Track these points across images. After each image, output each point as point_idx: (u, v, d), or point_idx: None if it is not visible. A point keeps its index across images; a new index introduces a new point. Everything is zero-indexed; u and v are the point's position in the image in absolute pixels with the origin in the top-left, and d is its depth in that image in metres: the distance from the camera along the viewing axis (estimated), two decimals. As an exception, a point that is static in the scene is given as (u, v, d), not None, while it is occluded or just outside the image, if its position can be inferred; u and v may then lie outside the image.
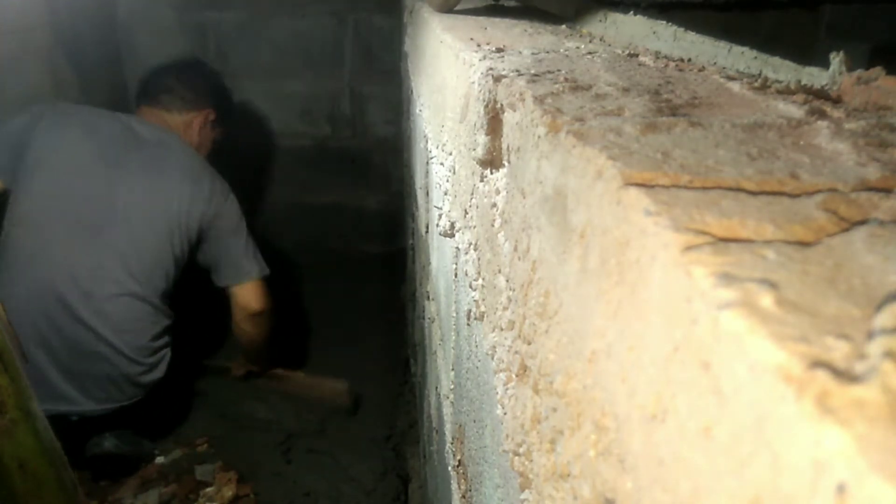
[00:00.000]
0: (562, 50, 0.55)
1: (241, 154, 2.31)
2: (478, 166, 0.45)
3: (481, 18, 0.81)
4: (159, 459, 1.80)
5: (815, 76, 0.41)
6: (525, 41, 0.61)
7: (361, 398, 2.03)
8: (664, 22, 0.60)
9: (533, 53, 0.52)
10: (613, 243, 0.23)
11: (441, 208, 0.72)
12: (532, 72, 0.42)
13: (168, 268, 1.70)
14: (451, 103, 0.60)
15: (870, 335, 0.15)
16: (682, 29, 0.58)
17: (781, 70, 0.45)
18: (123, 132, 1.74)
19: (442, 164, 0.70)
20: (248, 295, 1.81)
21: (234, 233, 1.80)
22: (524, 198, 0.34)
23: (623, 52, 0.54)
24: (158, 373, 1.72)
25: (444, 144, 0.68)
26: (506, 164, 0.39)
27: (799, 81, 0.41)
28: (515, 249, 0.36)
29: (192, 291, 1.84)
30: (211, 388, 2.03)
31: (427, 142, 0.90)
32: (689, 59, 0.52)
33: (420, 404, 1.50)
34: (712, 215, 0.21)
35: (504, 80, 0.40)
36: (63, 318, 1.57)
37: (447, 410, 0.79)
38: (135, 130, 1.77)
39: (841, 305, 0.16)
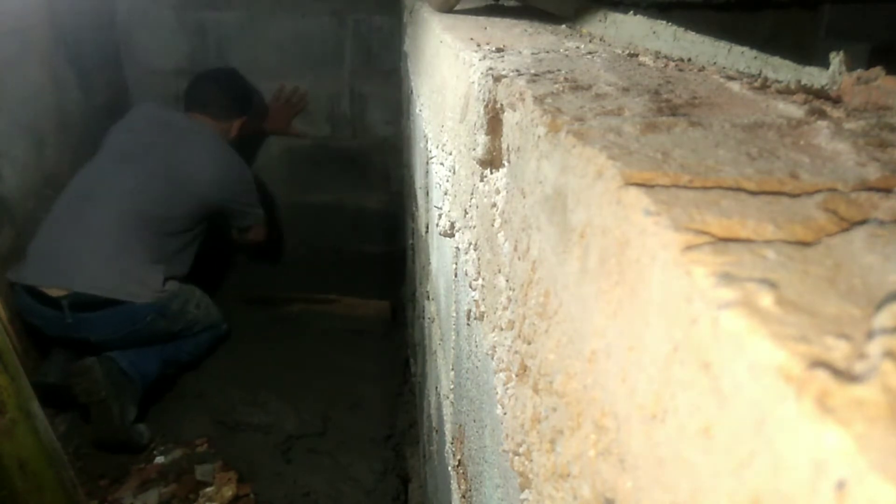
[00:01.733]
0: (562, 50, 0.55)
1: (240, 154, 2.31)
2: (478, 166, 0.45)
3: (481, 18, 0.81)
4: (159, 459, 1.80)
5: (815, 76, 0.41)
6: (525, 41, 0.61)
7: (397, 308, 2.43)
8: (664, 22, 0.60)
9: (533, 53, 0.52)
10: (613, 243, 0.23)
11: (441, 208, 0.72)
12: (532, 72, 0.42)
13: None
14: (450, 103, 0.60)
15: (870, 335, 0.15)
16: (682, 29, 0.58)
17: (781, 70, 0.45)
18: (158, 124, 2.18)
19: (442, 163, 0.70)
20: (253, 233, 2.37)
21: (247, 206, 2.30)
22: (524, 197, 0.34)
23: (623, 51, 0.54)
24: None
25: (444, 144, 0.68)
26: (506, 163, 0.39)
27: (799, 81, 0.41)
28: (515, 249, 0.36)
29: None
30: (210, 390, 2.03)
31: (427, 142, 0.90)
32: (689, 59, 0.52)
33: (420, 404, 1.50)
34: (712, 215, 0.21)
35: (504, 80, 0.40)
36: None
37: (447, 410, 0.79)
38: (170, 121, 2.20)
39: (841, 305, 0.16)
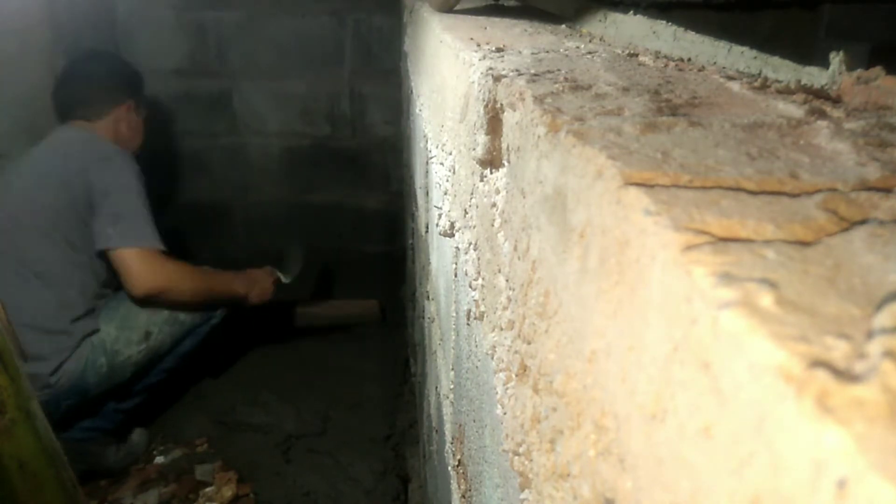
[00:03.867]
0: (562, 50, 0.55)
1: (240, 154, 2.31)
2: (477, 166, 0.45)
3: (481, 18, 0.81)
4: (159, 459, 1.80)
5: (815, 76, 0.41)
6: (525, 41, 0.61)
7: (386, 308, 2.33)
8: (664, 22, 0.60)
9: (533, 53, 0.52)
10: (613, 243, 0.23)
11: (441, 208, 0.72)
12: (532, 71, 0.42)
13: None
14: (450, 103, 0.60)
15: (870, 335, 0.15)
16: (682, 29, 0.58)
17: (781, 70, 0.45)
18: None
19: (442, 163, 0.70)
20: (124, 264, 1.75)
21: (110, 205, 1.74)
22: (524, 197, 0.34)
23: (623, 51, 0.54)
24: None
25: (443, 144, 0.68)
26: (505, 163, 0.39)
27: (799, 81, 0.41)
28: (515, 249, 0.36)
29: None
30: (210, 390, 2.03)
31: (427, 141, 0.90)
32: (689, 59, 0.52)
33: (420, 404, 1.50)
34: (712, 215, 0.21)
35: (504, 80, 0.40)
36: None
37: (447, 410, 0.79)
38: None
39: (841, 305, 0.16)
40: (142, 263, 1.68)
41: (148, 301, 1.72)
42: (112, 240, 1.67)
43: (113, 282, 1.79)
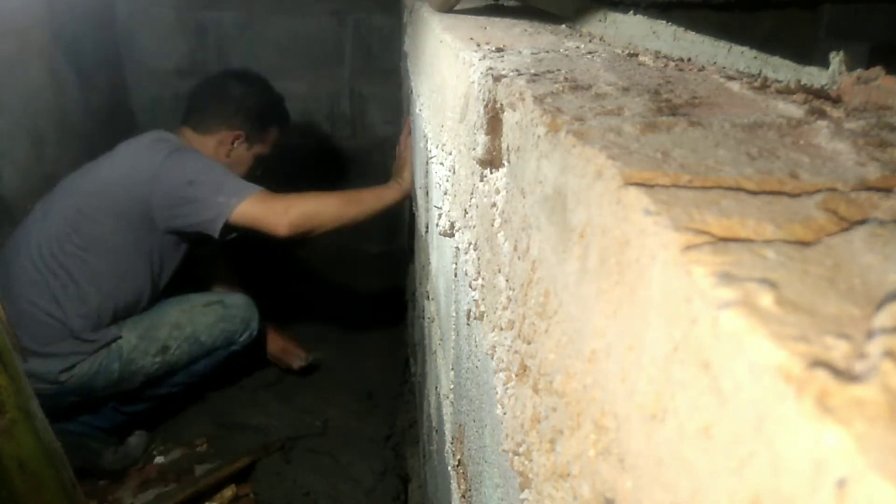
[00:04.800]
0: (561, 50, 0.55)
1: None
2: (477, 166, 0.45)
3: (481, 18, 0.81)
4: (159, 459, 1.80)
5: (814, 76, 0.41)
6: (525, 41, 0.61)
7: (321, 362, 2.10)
8: (664, 22, 0.60)
9: (533, 53, 0.52)
10: (613, 243, 0.23)
11: (441, 208, 0.72)
12: (532, 71, 0.42)
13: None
14: (450, 103, 0.60)
15: (869, 335, 0.15)
16: (681, 29, 0.58)
17: (781, 70, 0.45)
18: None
19: (442, 163, 0.70)
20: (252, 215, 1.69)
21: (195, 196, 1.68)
22: (524, 197, 0.34)
23: (623, 51, 0.54)
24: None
25: (443, 144, 0.68)
26: (505, 163, 0.39)
27: (799, 81, 0.41)
28: (515, 249, 0.36)
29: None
30: (210, 391, 2.03)
31: (427, 141, 0.90)
32: (689, 59, 0.52)
33: (420, 404, 1.50)
34: (712, 215, 0.21)
35: (504, 80, 0.40)
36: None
37: (447, 410, 0.79)
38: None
39: (841, 305, 0.16)
40: (265, 207, 1.64)
41: (303, 237, 1.68)
42: (226, 206, 1.61)
43: (152, 301, 1.79)
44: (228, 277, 2.13)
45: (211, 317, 1.81)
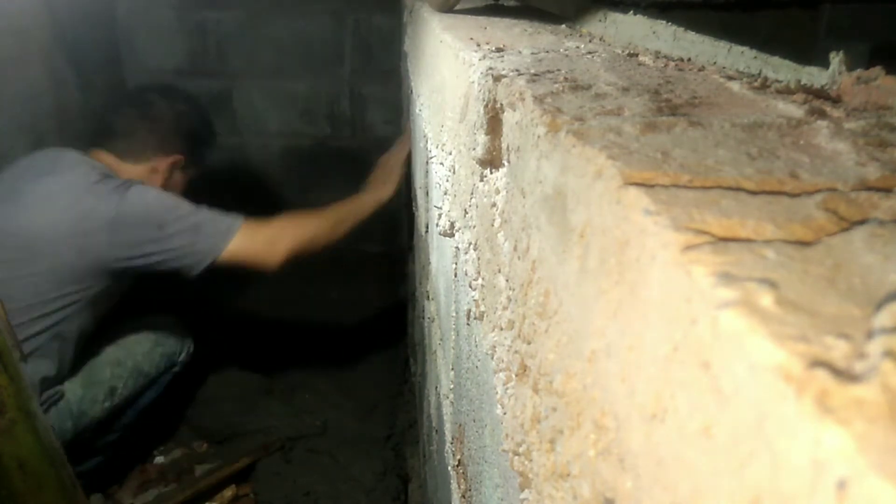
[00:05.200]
0: (561, 49, 0.55)
1: (241, 154, 2.31)
2: (477, 166, 0.45)
3: (481, 18, 0.81)
4: (159, 459, 1.80)
5: (814, 76, 0.41)
6: (525, 41, 0.61)
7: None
8: (664, 22, 0.60)
9: (533, 53, 0.52)
10: (613, 243, 0.23)
11: (441, 208, 0.72)
12: (532, 71, 0.42)
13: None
14: (450, 103, 0.60)
15: (869, 334, 0.15)
16: (681, 29, 0.58)
17: (781, 70, 0.45)
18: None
19: (442, 163, 0.70)
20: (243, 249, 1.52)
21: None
22: (524, 197, 0.34)
23: (623, 51, 0.54)
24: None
25: (443, 144, 0.68)
26: (505, 163, 0.39)
27: (799, 81, 0.41)
28: (515, 249, 0.36)
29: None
30: (210, 391, 2.03)
31: (427, 141, 0.90)
32: (689, 59, 0.52)
33: (420, 404, 1.50)
34: (712, 215, 0.21)
35: (504, 80, 0.40)
36: None
37: (447, 410, 0.79)
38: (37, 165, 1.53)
39: (841, 305, 0.16)
40: (253, 243, 1.49)
41: (288, 262, 1.54)
42: (210, 252, 1.46)
43: (81, 337, 1.55)
44: None
45: (146, 344, 1.68)
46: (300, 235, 1.56)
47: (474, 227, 0.49)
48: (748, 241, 0.19)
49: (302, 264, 2.37)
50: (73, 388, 1.55)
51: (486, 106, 0.41)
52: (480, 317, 0.48)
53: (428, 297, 1.09)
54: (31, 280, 1.41)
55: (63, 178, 1.46)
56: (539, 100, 0.34)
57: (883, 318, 0.16)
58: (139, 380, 1.66)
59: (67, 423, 1.51)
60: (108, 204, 1.41)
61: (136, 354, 1.67)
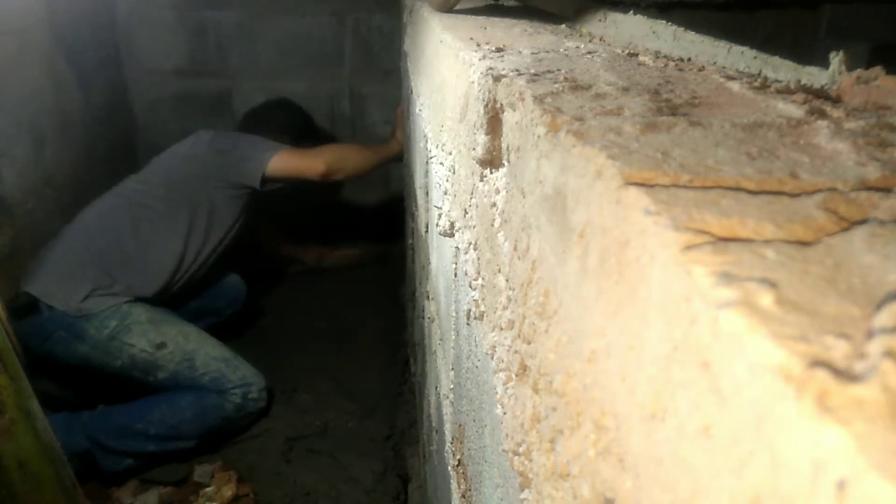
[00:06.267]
0: (561, 49, 0.55)
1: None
2: (477, 166, 0.45)
3: (481, 18, 0.81)
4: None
5: (814, 76, 0.41)
6: (525, 41, 0.61)
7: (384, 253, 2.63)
8: (664, 22, 0.60)
9: (533, 53, 0.52)
10: (613, 243, 0.23)
11: (441, 208, 0.72)
12: (532, 71, 0.42)
13: None
14: (450, 103, 0.60)
15: (869, 334, 0.15)
16: (681, 28, 0.58)
17: (781, 70, 0.45)
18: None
19: (442, 163, 0.70)
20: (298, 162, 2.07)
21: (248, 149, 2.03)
22: (524, 197, 0.34)
23: (623, 51, 0.54)
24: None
25: (443, 144, 0.68)
26: (505, 163, 0.39)
27: (799, 81, 0.41)
28: (515, 249, 0.36)
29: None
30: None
31: (427, 141, 0.90)
32: (689, 59, 0.52)
33: (420, 404, 1.50)
34: (712, 215, 0.21)
35: (504, 80, 0.40)
36: None
37: (447, 410, 0.79)
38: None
39: (841, 305, 0.16)
40: (298, 156, 2.00)
41: (333, 179, 2.04)
42: (262, 159, 1.95)
43: (201, 261, 1.96)
44: (276, 238, 2.56)
45: (218, 352, 1.82)
46: (337, 154, 2.06)
47: (474, 227, 0.49)
48: (748, 241, 0.19)
49: (301, 263, 2.35)
50: (139, 312, 1.76)
51: (486, 106, 0.41)
52: (480, 317, 0.48)
53: (428, 297, 1.09)
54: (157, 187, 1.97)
55: (190, 138, 2.09)
56: (539, 100, 0.34)
57: (883, 318, 0.16)
58: (184, 364, 1.75)
59: (111, 322, 1.72)
60: (207, 137, 2.04)
61: (202, 348, 1.79)
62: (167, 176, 1.98)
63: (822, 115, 0.32)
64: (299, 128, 2.30)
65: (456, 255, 0.63)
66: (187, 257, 1.92)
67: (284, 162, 1.97)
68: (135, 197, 1.92)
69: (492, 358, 0.42)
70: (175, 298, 1.94)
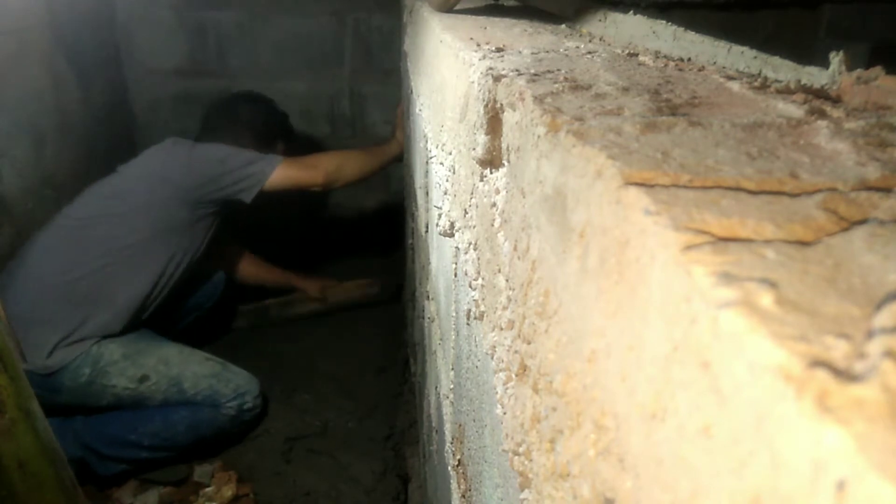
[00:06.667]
0: (561, 49, 0.55)
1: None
2: (477, 166, 0.45)
3: (481, 18, 0.81)
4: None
5: (815, 76, 0.41)
6: (525, 41, 0.61)
7: (392, 284, 2.42)
8: (664, 21, 0.60)
9: (533, 53, 0.52)
10: (613, 243, 0.23)
11: (441, 208, 0.72)
12: (532, 71, 0.42)
13: None
14: (450, 103, 0.60)
15: (869, 334, 0.15)
16: (681, 28, 0.58)
17: (781, 70, 0.45)
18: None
19: (442, 163, 0.70)
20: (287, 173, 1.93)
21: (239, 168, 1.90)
22: (524, 197, 0.34)
23: (623, 51, 0.54)
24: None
25: (443, 144, 0.68)
26: (505, 163, 0.39)
27: (799, 81, 0.41)
28: (515, 249, 0.36)
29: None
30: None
31: (427, 141, 0.90)
32: (689, 59, 0.52)
33: (420, 404, 1.50)
34: (712, 215, 0.21)
35: (504, 80, 0.40)
36: None
37: (447, 410, 0.79)
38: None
39: (841, 305, 0.16)
40: (296, 168, 1.90)
41: (332, 187, 1.98)
42: (261, 175, 1.85)
43: (172, 286, 1.83)
44: (245, 258, 2.30)
45: (206, 369, 1.76)
46: (333, 161, 1.97)
47: (474, 227, 0.49)
48: (748, 241, 0.19)
49: (302, 264, 2.36)
50: (113, 349, 1.67)
51: (486, 106, 0.41)
52: (480, 317, 0.48)
53: (428, 297, 1.09)
54: (141, 205, 1.79)
55: (158, 148, 1.91)
56: (539, 100, 0.34)
57: (883, 318, 0.16)
58: (173, 389, 1.70)
59: (85, 369, 1.63)
60: (184, 151, 1.85)
61: (187, 369, 1.73)
62: (145, 206, 1.77)
63: (822, 115, 0.32)
64: (271, 126, 2.12)
65: (456, 255, 0.63)
66: (160, 284, 1.80)
67: (284, 176, 1.88)
68: (97, 230, 1.73)
69: (492, 358, 0.42)
70: (147, 321, 1.83)
